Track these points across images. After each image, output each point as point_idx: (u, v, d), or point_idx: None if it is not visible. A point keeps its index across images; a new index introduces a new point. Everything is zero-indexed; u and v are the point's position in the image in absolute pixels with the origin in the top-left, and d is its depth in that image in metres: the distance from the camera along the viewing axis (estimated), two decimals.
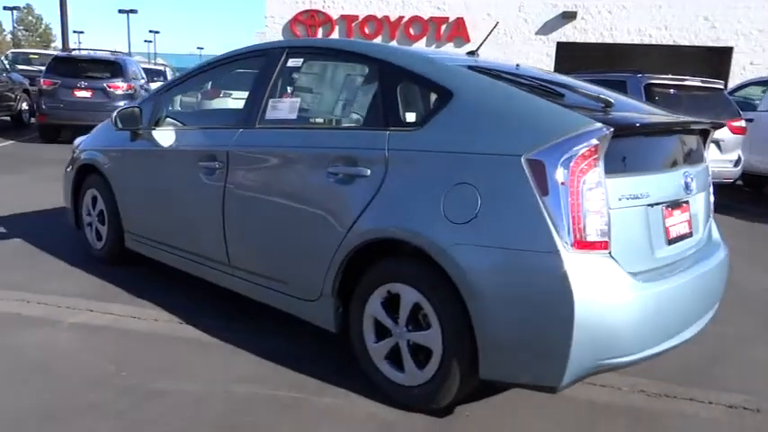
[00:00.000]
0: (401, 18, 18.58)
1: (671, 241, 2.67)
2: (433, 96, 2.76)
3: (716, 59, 17.57)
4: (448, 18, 18.33)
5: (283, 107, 3.26)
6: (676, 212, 2.72)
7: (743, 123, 7.90)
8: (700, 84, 7.82)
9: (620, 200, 2.40)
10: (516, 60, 3.28)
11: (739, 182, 8.82)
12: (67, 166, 4.79)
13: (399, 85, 2.84)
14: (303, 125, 3.31)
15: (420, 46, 18.16)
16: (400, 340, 2.69)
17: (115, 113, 3.92)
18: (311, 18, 19.19)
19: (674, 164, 2.79)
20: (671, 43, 17.35)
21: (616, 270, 2.34)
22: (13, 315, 3.54)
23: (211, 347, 3.24)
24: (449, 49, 18.22)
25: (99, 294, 3.91)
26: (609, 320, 2.31)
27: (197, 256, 3.66)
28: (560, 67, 16.89)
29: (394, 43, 18.23)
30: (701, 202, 2.96)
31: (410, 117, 2.83)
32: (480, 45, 3.35)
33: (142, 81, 12.34)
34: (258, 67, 3.44)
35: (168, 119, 3.96)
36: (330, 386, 2.88)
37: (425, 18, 18.46)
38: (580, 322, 2.24)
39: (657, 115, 2.97)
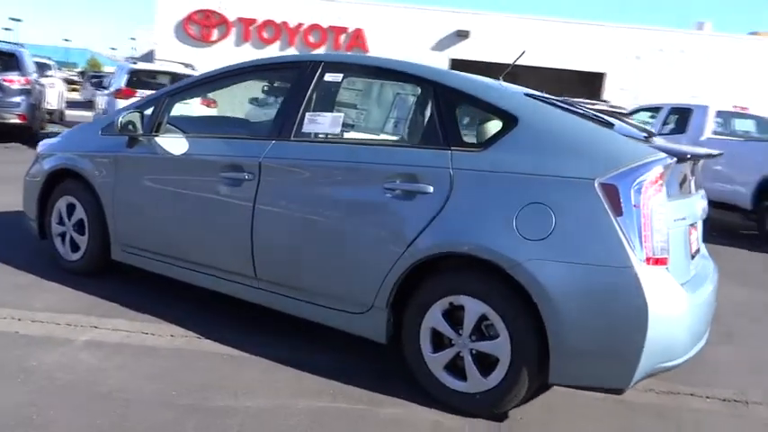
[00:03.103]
0: (300, 25, 18.58)
1: (692, 256, 3.03)
2: (496, 120, 2.93)
3: (592, 83, 19.26)
4: (347, 28, 18.59)
5: (324, 121, 3.26)
6: (694, 231, 3.10)
7: None
8: (607, 108, 8.64)
9: (674, 221, 2.71)
10: None
11: None
12: (30, 171, 4.42)
13: (458, 108, 2.98)
14: (350, 140, 3.34)
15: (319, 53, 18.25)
16: (464, 350, 2.83)
17: (118, 118, 3.70)
18: (206, 18, 18.67)
19: (695, 189, 3.17)
20: (552, 67, 18.78)
21: (673, 283, 2.64)
22: (11, 334, 3.26)
23: (246, 362, 3.18)
24: None
25: (93, 309, 3.67)
26: (671, 328, 2.61)
27: (212, 268, 3.54)
28: None
29: (293, 49, 18.18)
30: (701, 222, 3.36)
31: (471, 138, 2.98)
32: (506, 71, 3.57)
33: (35, 75, 11.37)
34: (289, 79, 3.43)
35: (168, 125, 3.80)
36: (385, 396, 2.94)
37: (324, 27, 18.59)
38: (652, 330, 2.51)
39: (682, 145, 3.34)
